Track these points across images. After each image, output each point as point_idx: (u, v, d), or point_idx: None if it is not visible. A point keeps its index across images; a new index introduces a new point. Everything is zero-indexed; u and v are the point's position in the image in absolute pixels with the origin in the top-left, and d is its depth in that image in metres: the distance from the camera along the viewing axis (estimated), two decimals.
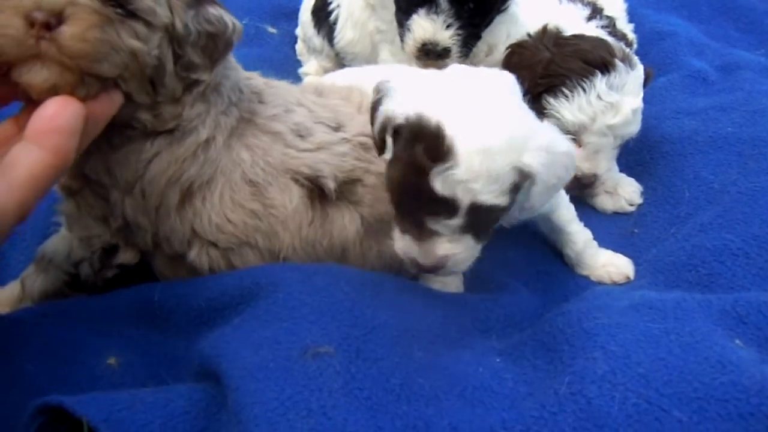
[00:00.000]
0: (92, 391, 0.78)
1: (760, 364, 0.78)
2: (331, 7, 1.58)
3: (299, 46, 1.75)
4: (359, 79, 1.19)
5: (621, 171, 1.36)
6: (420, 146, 0.80)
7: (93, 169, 0.94)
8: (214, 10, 0.90)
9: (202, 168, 0.95)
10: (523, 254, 1.21)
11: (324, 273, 0.91)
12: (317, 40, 1.66)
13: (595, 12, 1.51)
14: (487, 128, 0.80)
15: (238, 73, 1.03)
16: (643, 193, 1.33)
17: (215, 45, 0.91)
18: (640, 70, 1.28)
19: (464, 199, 0.80)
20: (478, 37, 1.35)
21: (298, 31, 1.75)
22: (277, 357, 0.77)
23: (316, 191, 0.99)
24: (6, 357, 0.84)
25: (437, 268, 0.88)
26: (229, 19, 0.92)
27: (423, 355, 0.83)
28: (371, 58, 1.55)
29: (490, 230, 0.91)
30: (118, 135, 0.91)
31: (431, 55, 1.28)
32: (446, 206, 0.81)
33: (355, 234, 1.01)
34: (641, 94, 1.27)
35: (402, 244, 0.89)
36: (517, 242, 1.21)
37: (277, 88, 1.08)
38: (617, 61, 1.23)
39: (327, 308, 0.83)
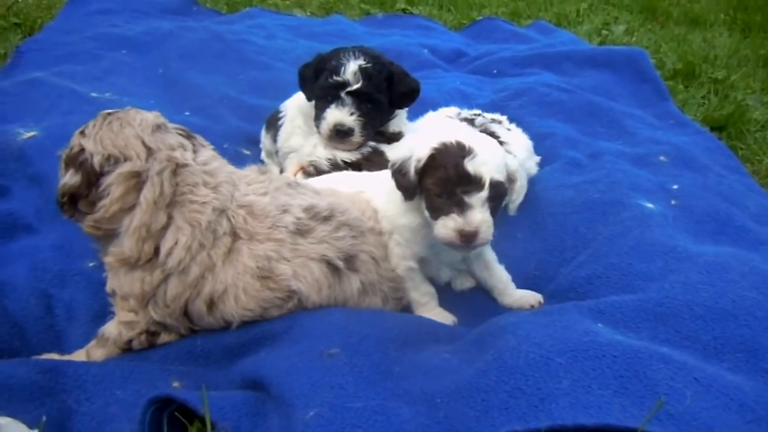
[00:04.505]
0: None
1: (612, 334, 1.22)
2: (281, 115, 2.12)
3: (263, 154, 2.23)
4: (329, 182, 1.67)
5: (521, 231, 1.84)
6: (453, 151, 1.35)
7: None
8: None
9: (214, 285, 1.30)
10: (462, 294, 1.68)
11: (322, 309, 1.33)
12: (267, 142, 2.17)
13: None
14: (482, 139, 1.40)
15: (224, 200, 1.34)
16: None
17: None
18: None
19: (486, 176, 1.33)
20: (377, 125, 1.97)
21: (261, 144, 2.25)
22: (302, 360, 1.16)
23: (333, 265, 1.38)
24: None
25: (477, 234, 1.35)
26: None
27: (396, 354, 1.23)
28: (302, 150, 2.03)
29: (497, 211, 1.41)
30: None
31: (340, 134, 1.90)
32: (477, 183, 1.34)
33: (355, 291, 1.42)
34: None
35: (448, 223, 1.36)
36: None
37: (272, 195, 1.41)
38: None
39: (329, 328, 1.24)
